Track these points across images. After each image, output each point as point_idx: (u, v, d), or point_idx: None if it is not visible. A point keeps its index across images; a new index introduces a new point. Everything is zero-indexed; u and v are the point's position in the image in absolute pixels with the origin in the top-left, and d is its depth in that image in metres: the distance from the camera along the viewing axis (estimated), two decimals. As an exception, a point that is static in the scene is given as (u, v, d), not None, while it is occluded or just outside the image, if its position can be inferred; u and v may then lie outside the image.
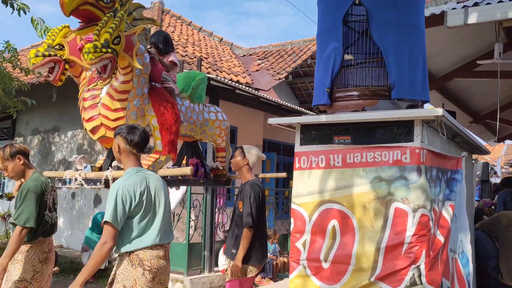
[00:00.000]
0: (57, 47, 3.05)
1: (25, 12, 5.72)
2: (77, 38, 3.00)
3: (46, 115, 9.19)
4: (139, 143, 2.66)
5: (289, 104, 9.14)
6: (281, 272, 7.77)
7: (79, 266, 7.02)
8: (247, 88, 8.13)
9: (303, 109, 9.60)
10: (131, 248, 2.54)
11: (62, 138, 9.06)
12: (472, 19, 4.01)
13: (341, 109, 2.77)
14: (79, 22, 2.91)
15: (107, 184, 2.98)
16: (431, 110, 2.35)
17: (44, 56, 2.98)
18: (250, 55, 12.48)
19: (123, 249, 2.55)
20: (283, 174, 4.59)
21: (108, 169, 3.16)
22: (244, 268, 3.71)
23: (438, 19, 4.27)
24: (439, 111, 2.30)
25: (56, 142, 9.13)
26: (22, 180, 3.40)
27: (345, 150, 2.58)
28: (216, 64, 9.40)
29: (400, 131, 2.45)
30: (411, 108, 2.69)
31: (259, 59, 11.79)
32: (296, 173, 2.73)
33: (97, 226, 6.89)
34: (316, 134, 2.69)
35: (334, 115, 2.64)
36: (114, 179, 2.93)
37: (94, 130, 3.06)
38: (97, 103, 3.02)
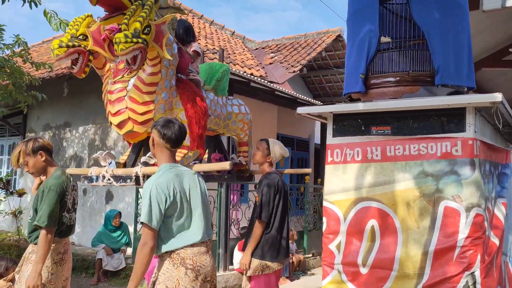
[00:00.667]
0: (80, 37, 2.93)
1: (36, 5, 5.51)
2: (101, 28, 2.85)
3: (57, 110, 9.03)
4: (173, 139, 2.51)
5: (305, 97, 8.87)
6: (297, 271, 7.53)
7: (90, 263, 6.84)
8: (261, 80, 7.88)
9: (319, 102, 9.31)
10: (171, 247, 2.42)
11: (74, 133, 8.90)
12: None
13: (378, 96, 2.50)
14: (104, 11, 2.77)
15: (137, 181, 2.80)
16: (488, 95, 2.07)
17: (68, 46, 2.85)
18: (263, 48, 12.19)
19: (163, 249, 2.42)
20: (308, 170, 4.34)
21: (136, 165, 2.97)
22: (261, 264, 3.52)
23: (471, 3, 3.98)
24: (498, 96, 2.02)
25: (67, 138, 8.96)
26: (42, 178, 3.23)
27: (385, 141, 2.32)
28: (229, 57, 9.15)
29: (449, 120, 2.18)
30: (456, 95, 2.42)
31: (272, 52, 11.50)
32: (328, 168, 2.48)
33: (109, 223, 6.73)
34: (351, 125, 2.43)
35: (372, 103, 2.37)
36: (144, 176, 2.79)
37: (121, 124, 2.90)
38: (124, 96, 2.86)
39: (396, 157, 2.27)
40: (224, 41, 10.95)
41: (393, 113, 2.32)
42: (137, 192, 6.78)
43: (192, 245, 2.43)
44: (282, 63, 10.44)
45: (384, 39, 2.54)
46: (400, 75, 2.45)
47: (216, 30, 11.84)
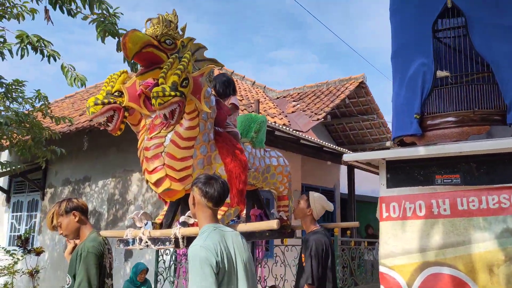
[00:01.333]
0: (116, 93, 2.88)
1: (55, 59, 5.44)
2: (136, 83, 2.82)
3: (77, 165, 8.86)
4: (216, 197, 2.30)
5: (331, 145, 8.52)
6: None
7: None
8: (286, 128, 7.60)
9: (346, 150, 8.95)
10: None
11: (93, 187, 8.66)
12: None
13: (437, 139, 2.14)
14: (140, 66, 2.75)
15: (177, 244, 2.62)
16: None
17: (103, 104, 2.80)
18: (284, 97, 12.05)
19: None
20: (355, 224, 3.95)
21: (173, 225, 2.84)
22: None
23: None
24: None
25: (87, 192, 8.73)
26: (76, 241, 3.07)
27: (454, 193, 1.93)
28: (251, 106, 8.97)
29: (538, 165, 1.79)
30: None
31: (294, 101, 11.33)
32: (384, 225, 2.08)
33: (135, 277, 6.38)
34: (409, 173, 2.05)
35: (437, 147, 2.00)
36: (183, 238, 2.64)
37: (158, 182, 2.76)
38: (161, 152, 2.75)
39: (471, 212, 1.87)
40: (246, 90, 10.86)
41: (462, 158, 1.94)
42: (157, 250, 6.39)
43: None
44: (305, 111, 10.22)
45: (441, 73, 2.21)
46: (464, 113, 2.10)
47: (236, 81, 11.80)
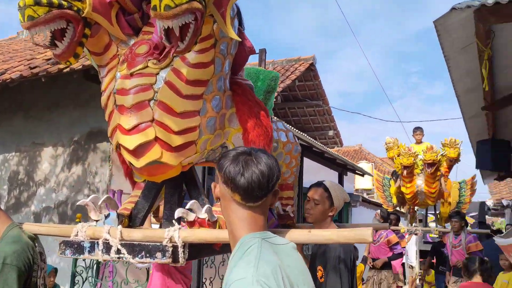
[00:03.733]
0: None
1: None
2: None
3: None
4: (250, 188, 1.32)
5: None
6: None
7: None
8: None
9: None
10: None
11: (-12, 164, 6.88)
12: None
13: None
14: None
15: (175, 256, 1.61)
16: None
17: (51, 5, 1.59)
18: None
19: None
20: (385, 225, 3.01)
21: (168, 222, 1.83)
22: None
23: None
24: None
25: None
26: None
27: None
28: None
29: None
30: None
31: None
32: None
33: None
34: None
35: None
36: (184, 246, 1.64)
37: (140, 150, 1.68)
38: (149, 101, 1.70)
39: None
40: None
41: None
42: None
43: None
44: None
45: None
46: None
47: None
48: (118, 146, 1.71)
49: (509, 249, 1.63)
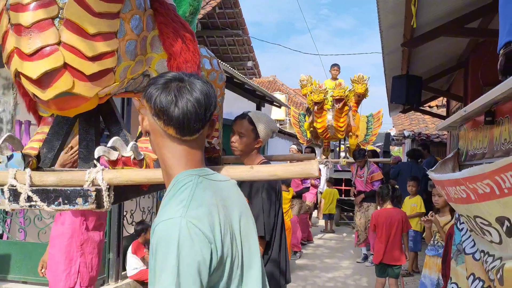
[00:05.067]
0: None
1: None
2: None
3: None
4: (186, 120, 1.17)
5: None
6: None
7: None
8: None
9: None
10: None
11: None
12: None
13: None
14: None
15: (99, 201, 1.43)
16: None
17: None
18: None
19: None
20: (311, 156, 3.03)
21: (84, 162, 1.64)
22: None
23: None
24: None
25: None
26: None
27: None
28: None
29: None
30: None
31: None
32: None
33: None
34: None
35: None
36: (109, 188, 1.46)
37: (46, 79, 1.40)
38: (54, 19, 1.40)
39: None
40: None
41: None
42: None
43: None
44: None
45: None
46: None
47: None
48: (18, 75, 1.42)
49: (444, 183, 1.73)
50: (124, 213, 5.31)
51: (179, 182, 1.15)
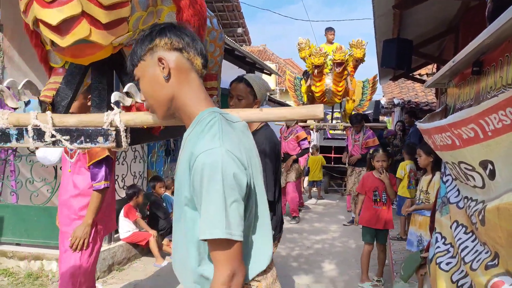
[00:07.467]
0: None
1: None
2: None
3: None
4: (205, 53, 1.35)
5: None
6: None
7: None
8: None
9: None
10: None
11: None
12: None
13: None
14: None
15: (118, 140, 1.50)
16: None
17: None
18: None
19: None
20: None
21: (98, 109, 1.68)
22: None
23: None
24: None
25: None
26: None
27: None
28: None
29: None
30: None
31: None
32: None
33: None
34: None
35: None
36: (127, 130, 1.53)
37: (65, 25, 1.43)
38: None
39: None
40: None
41: None
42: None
43: (266, 270, 1.32)
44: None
45: None
46: None
47: None
48: (36, 22, 1.45)
49: (430, 132, 1.78)
50: (116, 177, 5.34)
51: (205, 119, 1.25)
